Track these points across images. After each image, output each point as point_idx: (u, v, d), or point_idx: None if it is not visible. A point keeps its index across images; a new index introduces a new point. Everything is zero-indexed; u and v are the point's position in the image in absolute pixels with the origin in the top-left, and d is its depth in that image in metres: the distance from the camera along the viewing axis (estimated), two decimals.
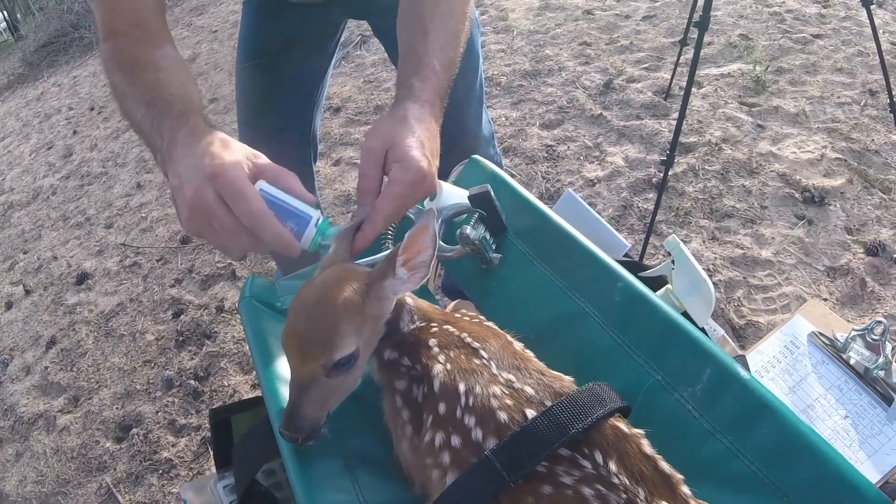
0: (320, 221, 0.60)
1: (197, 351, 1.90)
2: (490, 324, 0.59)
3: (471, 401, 0.48)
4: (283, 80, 1.18)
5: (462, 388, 0.49)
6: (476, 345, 0.53)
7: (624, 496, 0.42)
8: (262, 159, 0.61)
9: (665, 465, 0.44)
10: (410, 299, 0.58)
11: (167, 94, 0.66)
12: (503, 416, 0.47)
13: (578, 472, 0.43)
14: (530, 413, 0.47)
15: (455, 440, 0.47)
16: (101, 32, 0.77)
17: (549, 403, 0.47)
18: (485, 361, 0.51)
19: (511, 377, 0.50)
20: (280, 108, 1.20)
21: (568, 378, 0.52)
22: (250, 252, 0.60)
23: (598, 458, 0.44)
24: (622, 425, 0.47)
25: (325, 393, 0.50)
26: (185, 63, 0.78)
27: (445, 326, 0.55)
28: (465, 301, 0.74)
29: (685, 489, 0.44)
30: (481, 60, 1.16)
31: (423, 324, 0.57)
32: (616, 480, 0.43)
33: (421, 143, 0.63)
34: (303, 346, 0.49)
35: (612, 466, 0.43)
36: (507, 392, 0.48)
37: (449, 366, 0.51)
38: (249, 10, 1.17)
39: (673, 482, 0.44)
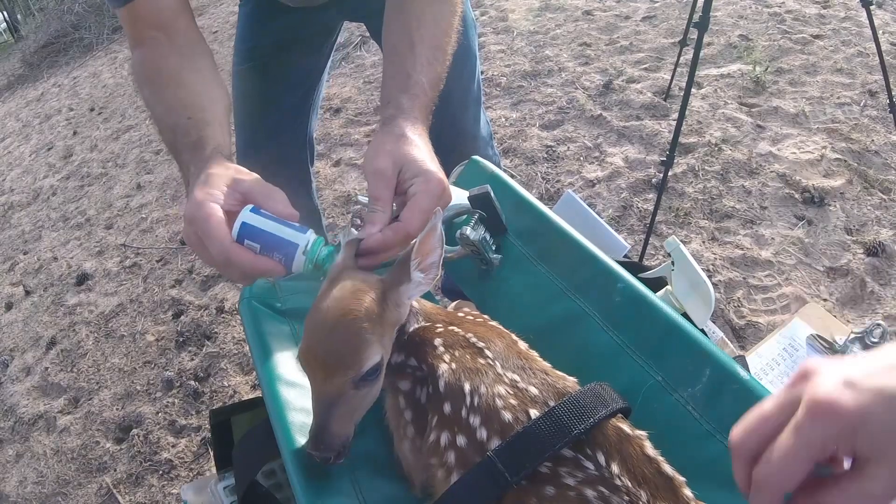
0: (310, 245, 0.57)
1: (197, 352, 1.90)
2: (494, 323, 0.59)
3: (476, 400, 0.48)
4: (279, 82, 1.18)
5: (467, 387, 0.49)
6: (481, 344, 0.53)
7: (626, 498, 0.42)
8: (246, 184, 0.60)
9: (667, 468, 0.45)
10: (415, 301, 0.58)
11: (186, 117, 0.68)
12: (507, 415, 0.47)
13: (581, 474, 0.43)
14: (534, 413, 0.47)
15: (460, 440, 0.47)
16: (130, 42, 0.78)
17: (552, 403, 0.47)
18: (489, 361, 0.51)
19: (516, 377, 0.50)
20: (276, 110, 1.20)
21: (571, 379, 0.52)
22: (250, 279, 0.60)
23: (601, 459, 0.44)
24: (625, 426, 0.47)
25: (353, 406, 0.50)
26: (208, 66, 0.77)
27: (451, 327, 0.55)
28: (466, 301, 0.74)
29: (687, 492, 0.44)
30: (479, 62, 1.16)
31: (427, 324, 0.57)
32: (619, 483, 0.43)
33: (432, 157, 0.63)
34: (328, 362, 0.48)
35: (615, 468, 0.43)
36: (511, 392, 0.49)
37: (454, 365, 0.51)
38: (245, 13, 1.17)
39: (675, 484, 0.44)
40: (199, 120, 0.68)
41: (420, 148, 0.64)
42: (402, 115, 0.67)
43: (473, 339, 0.53)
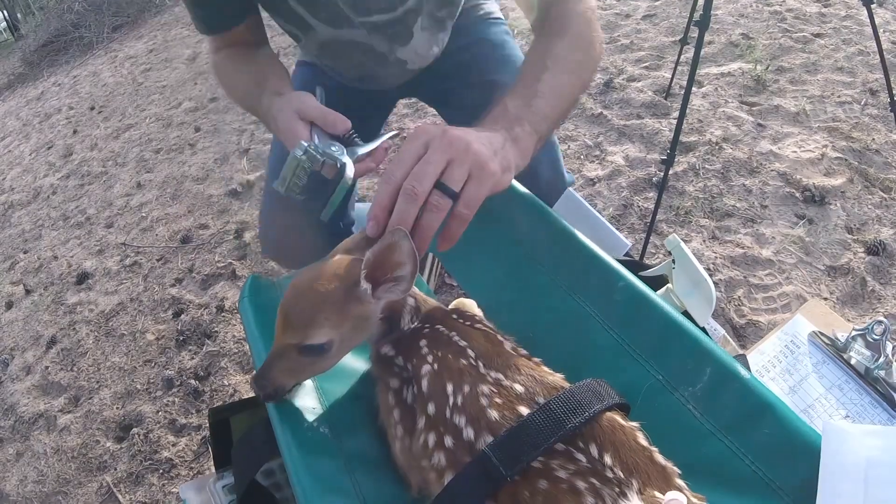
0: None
1: (197, 350, 1.90)
2: (483, 323, 0.58)
3: (459, 400, 0.48)
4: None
5: (450, 387, 0.49)
6: (463, 344, 0.53)
7: (617, 489, 0.42)
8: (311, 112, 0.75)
9: (660, 457, 0.44)
10: (413, 299, 0.58)
11: (267, 76, 0.86)
12: (494, 414, 0.47)
13: (573, 466, 0.43)
14: (523, 410, 0.46)
15: (448, 440, 0.47)
16: (211, 48, 0.97)
17: (540, 400, 0.47)
18: (472, 361, 0.51)
19: (499, 375, 0.50)
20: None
21: (559, 375, 0.52)
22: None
23: (594, 451, 0.44)
24: (618, 417, 0.46)
25: (295, 366, 0.53)
26: (273, 54, 0.97)
27: (437, 326, 0.55)
28: (468, 300, 0.74)
29: (680, 482, 0.44)
30: None
31: (419, 324, 0.56)
32: (610, 474, 0.43)
33: (465, 131, 0.58)
34: (285, 322, 0.52)
35: (608, 459, 0.43)
36: (495, 390, 0.48)
37: (436, 366, 0.51)
38: (302, 73, 1.18)
39: (668, 473, 0.44)
40: (277, 75, 0.87)
41: (465, 129, 0.59)
42: (481, 121, 0.64)
43: (456, 339, 0.53)
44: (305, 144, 0.67)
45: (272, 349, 0.53)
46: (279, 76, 0.87)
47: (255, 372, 0.53)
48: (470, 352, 0.52)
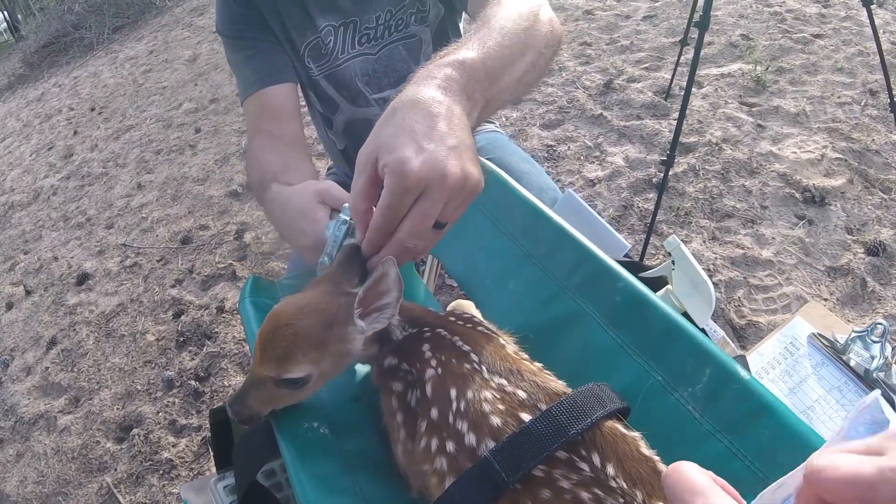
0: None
1: (197, 351, 1.90)
2: (484, 326, 0.58)
3: (462, 405, 0.48)
4: None
5: (453, 392, 0.49)
6: (467, 348, 0.52)
7: (621, 500, 0.42)
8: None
9: (663, 466, 0.44)
10: (397, 316, 0.57)
11: (290, 169, 0.87)
12: (496, 420, 0.46)
13: (576, 476, 0.43)
14: (525, 416, 0.46)
15: (450, 445, 0.47)
16: (248, 132, 0.96)
17: (543, 406, 0.47)
18: (475, 365, 0.51)
19: (503, 381, 0.50)
20: None
21: (561, 382, 0.52)
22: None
23: (596, 460, 0.44)
24: (620, 426, 0.46)
25: (271, 396, 0.53)
26: (302, 168, 0.91)
27: (438, 330, 0.55)
28: (465, 301, 0.74)
29: None
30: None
31: (415, 330, 0.56)
32: (614, 484, 0.42)
33: (410, 131, 0.51)
34: (262, 354, 0.51)
35: (610, 469, 0.43)
36: (498, 396, 0.48)
37: (440, 370, 0.51)
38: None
39: None
40: (283, 171, 0.86)
41: (400, 121, 0.52)
42: (409, 81, 0.56)
43: (459, 343, 0.53)
44: (349, 206, 0.59)
45: (249, 375, 0.52)
46: (304, 172, 0.86)
47: (229, 396, 0.53)
48: (473, 356, 0.52)
